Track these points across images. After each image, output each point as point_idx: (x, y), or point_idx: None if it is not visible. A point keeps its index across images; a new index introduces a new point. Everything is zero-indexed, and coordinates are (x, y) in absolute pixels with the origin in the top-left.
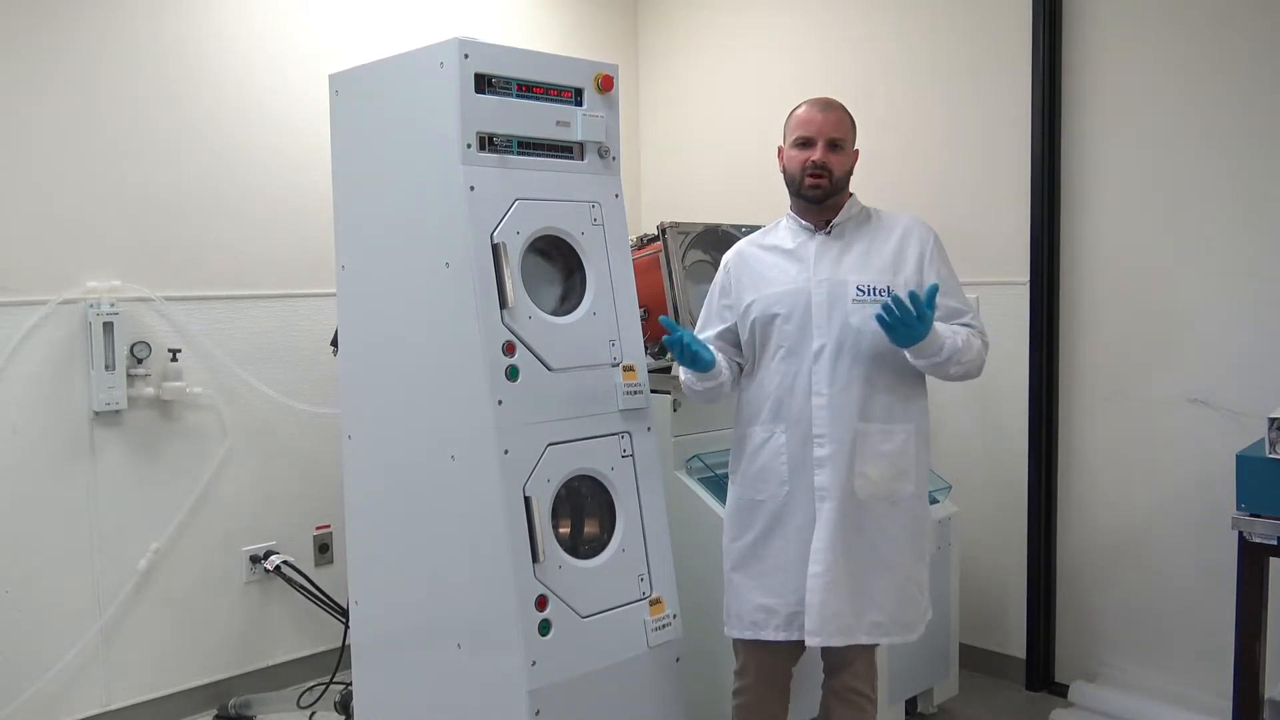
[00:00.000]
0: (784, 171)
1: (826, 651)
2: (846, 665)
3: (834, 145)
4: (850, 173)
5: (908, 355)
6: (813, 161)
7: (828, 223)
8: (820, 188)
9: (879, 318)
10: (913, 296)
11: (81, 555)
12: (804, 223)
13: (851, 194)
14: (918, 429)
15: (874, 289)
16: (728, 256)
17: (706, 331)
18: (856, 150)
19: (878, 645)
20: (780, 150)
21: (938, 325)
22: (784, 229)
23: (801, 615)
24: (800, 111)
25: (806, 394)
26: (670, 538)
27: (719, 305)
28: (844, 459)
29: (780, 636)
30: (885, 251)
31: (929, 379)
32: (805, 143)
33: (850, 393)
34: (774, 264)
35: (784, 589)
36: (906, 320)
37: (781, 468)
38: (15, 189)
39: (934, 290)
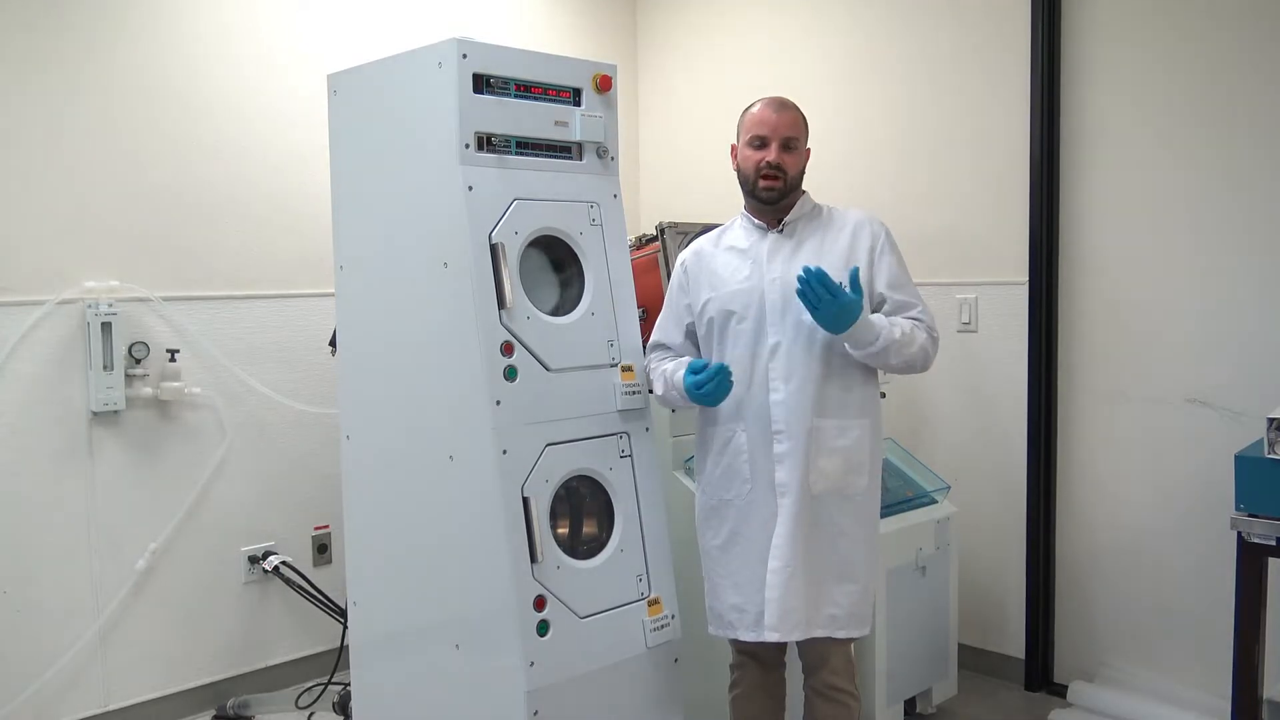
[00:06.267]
0: (738, 171)
1: (802, 650)
2: (823, 663)
3: (788, 146)
4: (803, 172)
5: (846, 345)
6: (767, 162)
7: (780, 221)
8: (774, 189)
9: (800, 294)
10: (822, 275)
11: (80, 555)
12: (757, 222)
13: (804, 192)
14: (871, 424)
15: None
16: (684, 255)
17: (670, 331)
18: (809, 149)
19: (852, 641)
20: (734, 149)
21: (874, 317)
22: (738, 228)
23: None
24: (755, 111)
25: (764, 391)
26: (669, 538)
27: (680, 305)
28: (801, 454)
29: (750, 637)
30: (837, 248)
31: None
32: (760, 143)
33: (806, 388)
34: (728, 263)
35: (749, 588)
36: (822, 299)
37: (744, 466)
38: (14, 189)
39: (854, 273)
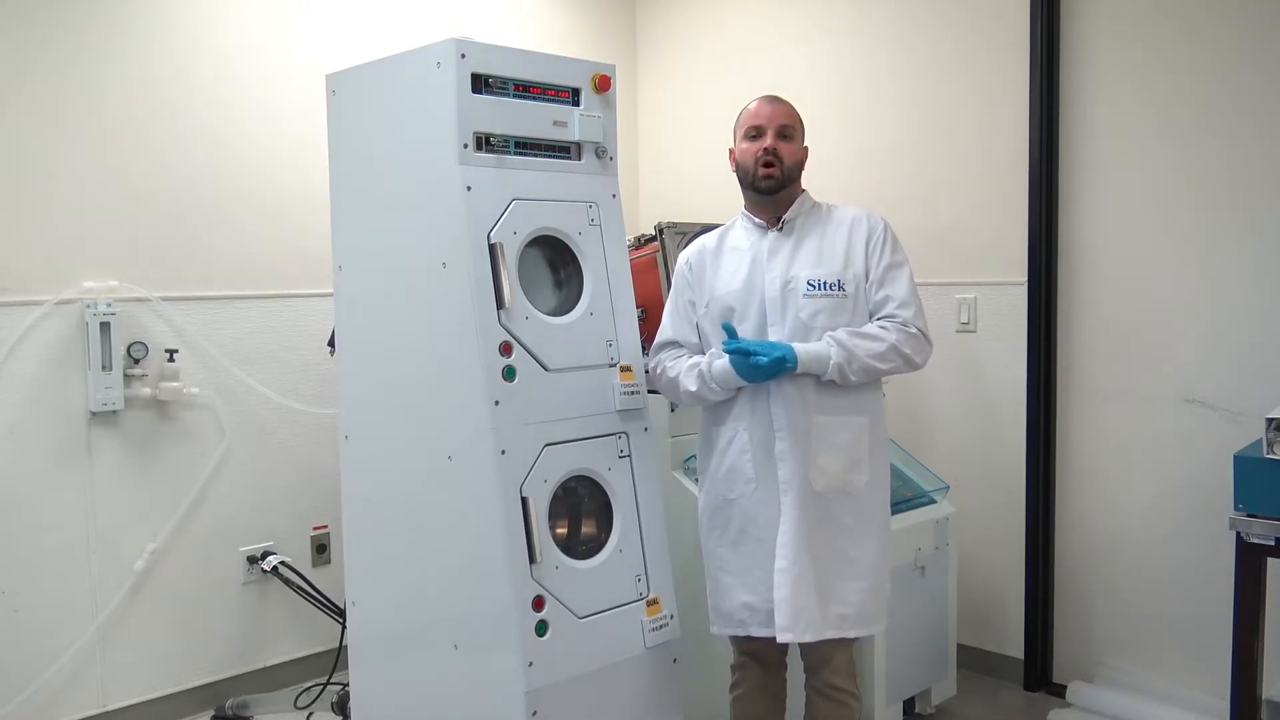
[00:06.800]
0: (736, 168)
1: (805, 651)
2: (825, 663)
3: (783, 134)
4: (801, 165)
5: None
6: (764, 149)
7: (779, 219)
8: (773, 176)
9: (753, 365)
10: (742, 344)
11: (78, 556)
12: (757, 220)
13: (804, 190)
14: (871, 421)
15: (825, 283)
16: (687, 253)
17: (684, 329)
18: (806, 148)
19: (855, 641)
20: (731, 152)
21: (810, 346)
22: (739, 228)
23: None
24: (750, 107)
25: (764, 389)
26: (667, 538)
27: (685, 301)
28: (802, 452)
29: (763, 633)
30: (837, 245)
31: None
32: (756, 133)
33: (805, 387)
34: (729, 262)
35: (760, 586)
36: (766, 351)
37: (748, 465)
38: (13, 189)
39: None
